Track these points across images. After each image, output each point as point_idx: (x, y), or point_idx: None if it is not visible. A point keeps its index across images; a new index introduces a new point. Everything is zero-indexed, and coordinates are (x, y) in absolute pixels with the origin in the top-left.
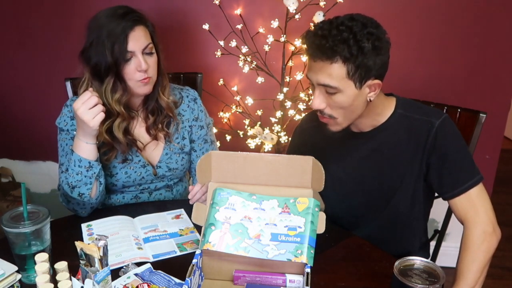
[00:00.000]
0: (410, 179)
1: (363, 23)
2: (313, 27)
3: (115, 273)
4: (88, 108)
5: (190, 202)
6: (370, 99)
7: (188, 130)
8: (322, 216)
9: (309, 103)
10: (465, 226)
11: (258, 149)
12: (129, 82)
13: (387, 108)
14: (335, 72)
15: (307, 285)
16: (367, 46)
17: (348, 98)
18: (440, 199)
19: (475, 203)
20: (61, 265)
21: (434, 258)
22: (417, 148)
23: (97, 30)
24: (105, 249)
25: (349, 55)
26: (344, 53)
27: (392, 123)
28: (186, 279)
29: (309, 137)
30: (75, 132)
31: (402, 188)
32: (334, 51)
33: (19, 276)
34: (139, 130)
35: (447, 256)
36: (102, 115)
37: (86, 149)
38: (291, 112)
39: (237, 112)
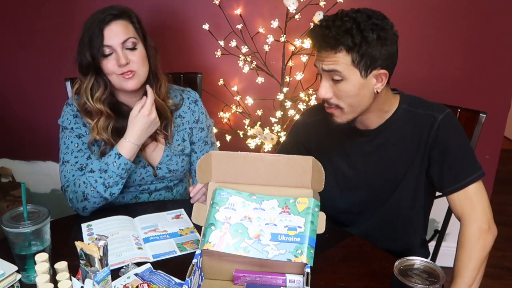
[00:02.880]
0: (412, 174)
1: (368, 15)
2: (319, 21)
3: (115, 273)
4: (152, 114)
5: (192, 201)
6: (377, 91)
7: (188, 132)
8: (322, 216)
9: (309, 103)
10: (462, 223)
11: (258, 149)
12: (110, 77)
13: (393, 104)
14: (340, 60)
15: (307, 285)
16: (371, 36)
17: (353, 87)
18: (440, 199)
19: (473, 199)
20: (61, 265)
21: (434, 258)
22: (420, 142)
23: (83, 28)
24: (105, 249)
25: (352, 44)
26: (347, 43)
27: (396, 118)
28: (186, 279)
29: (314, 130)
30: (87, 133)
31: (404, 183)
32: (337, 40)
33: (19, 276)
34: None
35: (447, 256)
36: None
37: (134, 152)
38: (291, 112)
39: (237, 112)
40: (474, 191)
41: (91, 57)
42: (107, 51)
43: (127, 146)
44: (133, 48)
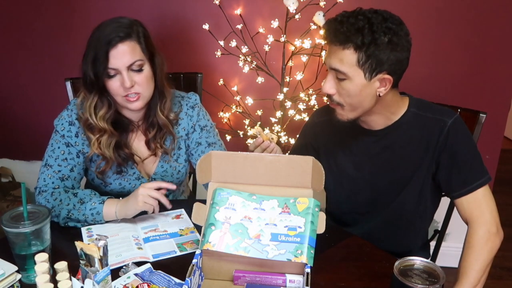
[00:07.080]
0: (418, 177)
1: (385, 18)
2: (336, 15)
3: (115, 273)
4: (148, 195)
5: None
6: (379, 94)
7: (184, 138)
8: (322, 216)
9: (309, 103)
10: (470, 225)
11: None
12: (116, 98)
13: (401, 107)
14: (346, 58)
15: (307, 285)
16: (382, 39)
17: (355, 87)
18: (441, 199)
19: (481, 203)
20: (61, 265)
21: (434, 258)
22: (428, 146)
23: (89, 41)
24: (105, 249)
25: (360, 43)
26: (356, 41)
27: (405, 121)
28: (186, 279)
29: (321, 131)
30: (72, 141)
31: (410, 186)
32: (347, 37)
33: (19, 276)
34: (138, 144)
35: (447, 256)
36: (150, 208)
37: (111, 214)
38: (291, 112)
39: (237, 112)
40: (482, 195)
41: (95, 77)
42: (112, 72)
43: (110, 212)
44: (139, 70)
